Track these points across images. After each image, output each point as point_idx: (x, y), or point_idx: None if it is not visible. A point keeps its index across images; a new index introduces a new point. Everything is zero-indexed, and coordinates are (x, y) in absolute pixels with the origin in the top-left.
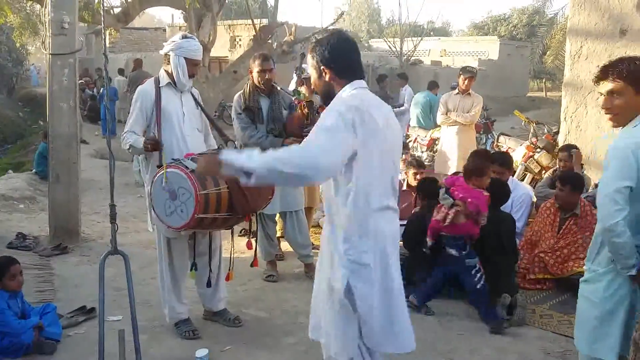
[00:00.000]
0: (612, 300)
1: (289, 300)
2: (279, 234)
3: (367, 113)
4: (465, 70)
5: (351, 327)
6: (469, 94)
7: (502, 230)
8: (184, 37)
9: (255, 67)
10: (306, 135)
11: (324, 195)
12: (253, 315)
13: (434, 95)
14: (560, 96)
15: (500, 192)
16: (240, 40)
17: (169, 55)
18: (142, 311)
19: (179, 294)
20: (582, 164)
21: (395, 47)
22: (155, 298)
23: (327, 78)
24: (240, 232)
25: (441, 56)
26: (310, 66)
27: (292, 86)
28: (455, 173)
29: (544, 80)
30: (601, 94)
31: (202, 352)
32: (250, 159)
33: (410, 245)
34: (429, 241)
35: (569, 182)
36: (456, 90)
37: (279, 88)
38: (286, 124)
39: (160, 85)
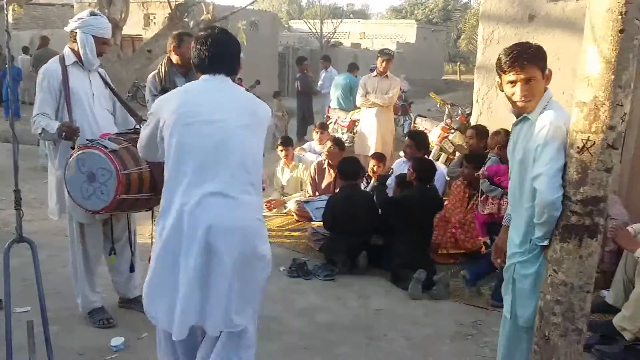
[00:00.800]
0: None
1: None
2: None
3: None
4: (382, 52)
5: None
6: (387, 76)
7: (431, 207)
8: (92, 14)
9: (184, 45)
10: None
11: None
12: None
13: (354, 77)
14: (473, 79)
15: (428, 169)
16: (154, 18)
17: (76, 32)
18: (53, 301)
19: (92, 283)
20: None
21: (315, 29)
22: (66, 287)
23: None
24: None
25: (360, 39)
26: None
27: None
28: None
29: (458, 63)
30: (511, 82)
31: (117, 341)
32: None
33: (329, 225)
34: (481, 239)
35: (473, 160)
36: (374, 73)
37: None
38: None
39: (67, 64)
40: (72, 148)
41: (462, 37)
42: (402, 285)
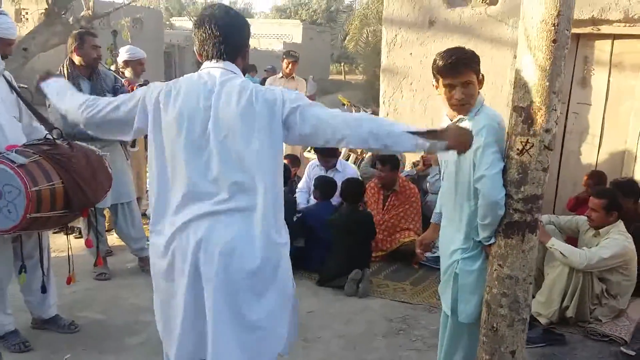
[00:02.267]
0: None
1: (126, 298)
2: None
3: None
4: (288, 54)
5: None
6: (293, 77)
7: (361, 228)
8: None
9: (86, 45)
10: None
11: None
12: (89, 318)
13: (252, 77)
14: (359, 79)
15: (354, 190)
16: (27, 13)
17: None
18: None
19: (4, 304)
20: None
21: None
22: None
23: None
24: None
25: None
26: None
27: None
28: None
29: (342, 64)
30: (449, 86)
31: None
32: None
33: None
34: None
35: (388, 162)
36: (280, 74)
37: (101, 68)
38: None
39: None
40: None
41: (347, 38)
42: (331, 285)
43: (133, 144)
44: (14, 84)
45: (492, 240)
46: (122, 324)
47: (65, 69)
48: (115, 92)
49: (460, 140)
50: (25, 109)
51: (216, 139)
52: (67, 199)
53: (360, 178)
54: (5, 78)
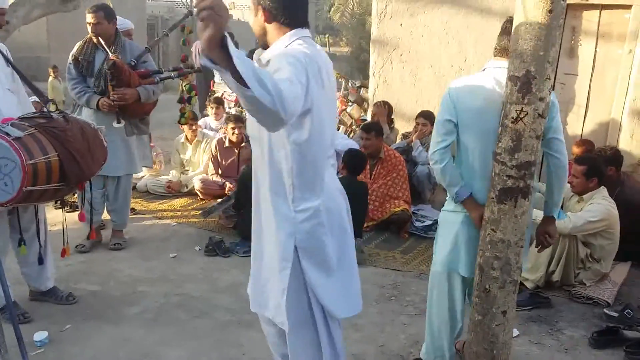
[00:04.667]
0: (468, 226)
1: (121, 270)
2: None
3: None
4: None
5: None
6: None
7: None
8: None
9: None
10: (113, 97)
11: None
12: (86, 289)
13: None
14: (344, 51)
15: (358, 162)
16: None
17: None
18: None
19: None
20: (392, 118)
21: None
22: None
23: (262, 20)
24: (56, 203)
25: (230, 9)
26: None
27: None
28: None
29: (327, 35)
30: None
31: (41, 335)
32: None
33: (241, 204)
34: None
35: (372, 129)
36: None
37: (124, 42)
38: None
39: None
40: None
41: (332, 9)
42: None
43: (118, 120)
44: (9, 56)
45: (455, 198)
46: (119, 294)
47: (85, 39)
48: (134, 66)
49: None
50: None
51: None
52: (63, 172)
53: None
54: (1, 51)
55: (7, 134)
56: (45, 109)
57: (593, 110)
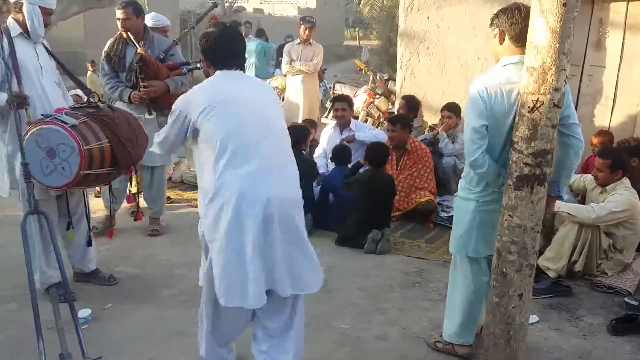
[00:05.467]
0: (481, 213)
1: (158, 255)
2: (134, 189)
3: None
4: (305, 20)
5: None
6: (310, 43)
7: (383, 188)
8: None
9: (118, 16)
10: (142, 90)
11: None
12: (125, 272)
13: (265, 42)
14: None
15: (379, 154)
16: None
17: (21, 3)
18: (6, 279)
19: (49, 258)
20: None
21: None
22: (12, 266)
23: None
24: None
25: (261, 4)
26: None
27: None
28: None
29: (357, 29)
30: None
31: (84, 312)
32: None
33: None
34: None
35: (398, 121)
36: (298, 40)
37: (152, 36)
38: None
39: (13, 36)
40: (28, 123)
41: (362, 3)
42: (350, 244)
43: (149, 112)
44: (50, 50)
45: (500, 190)
46: (156, 277)
47: (116, 35)
48: (162, 59)
49: None
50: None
51: None
52: (114, 157)
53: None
54: (45, 46)
55: (64, 122)
56: (91, 100)
57: (620, 102)
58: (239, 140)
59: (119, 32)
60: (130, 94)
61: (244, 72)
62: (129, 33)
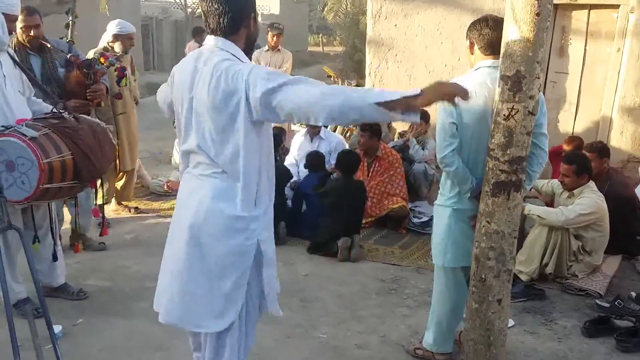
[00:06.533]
0: (455, 220)
1: (129, 267)
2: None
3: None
4: (273, 27)
5: None
6: (279, 50)
7: (355, 195)
8: None
9: (19, 23)
10: (90, 96)
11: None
12: (95, 285)
13: None
14: (337, 51)
15: (350, 163)
16: None
17: None
18: None
19: (15, 273)
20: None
21: None
22: None
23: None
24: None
25: None
26: None
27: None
28: None
29: (320, 35)
30: None
31: (55, 329)
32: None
33: None
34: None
35: (368, 129)
36: (266, 47)
37: (49, 45)
38: (65, 85)
39: None
40: None
41: (325, 9)
42: (323, 252)
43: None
44: (17, 59)
45: (466, 194)
46: (128, 290)
47: (11, 44)
48: (67, 66)
49: (442, 91)
50: (28, 83)
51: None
52: (77, 170)
53: (347, 145)
54: (9, 54)
55: (24, 135)
56: (56, 110)
57: (584, 108)
58: None
59: (15, 41)
60: (68, 106)
61: None
62: (41, 41)
